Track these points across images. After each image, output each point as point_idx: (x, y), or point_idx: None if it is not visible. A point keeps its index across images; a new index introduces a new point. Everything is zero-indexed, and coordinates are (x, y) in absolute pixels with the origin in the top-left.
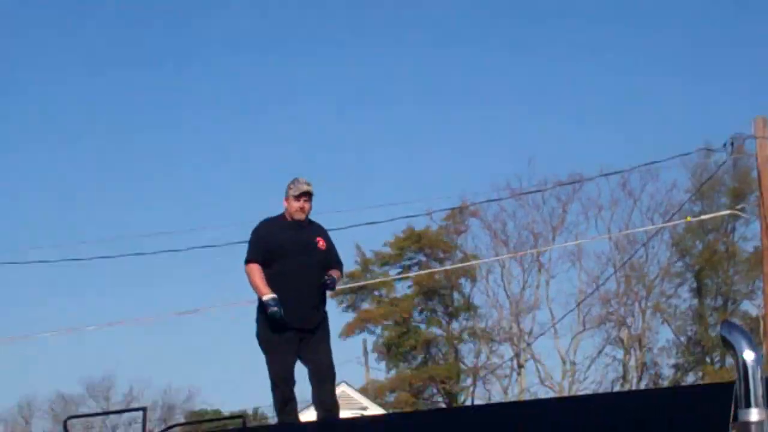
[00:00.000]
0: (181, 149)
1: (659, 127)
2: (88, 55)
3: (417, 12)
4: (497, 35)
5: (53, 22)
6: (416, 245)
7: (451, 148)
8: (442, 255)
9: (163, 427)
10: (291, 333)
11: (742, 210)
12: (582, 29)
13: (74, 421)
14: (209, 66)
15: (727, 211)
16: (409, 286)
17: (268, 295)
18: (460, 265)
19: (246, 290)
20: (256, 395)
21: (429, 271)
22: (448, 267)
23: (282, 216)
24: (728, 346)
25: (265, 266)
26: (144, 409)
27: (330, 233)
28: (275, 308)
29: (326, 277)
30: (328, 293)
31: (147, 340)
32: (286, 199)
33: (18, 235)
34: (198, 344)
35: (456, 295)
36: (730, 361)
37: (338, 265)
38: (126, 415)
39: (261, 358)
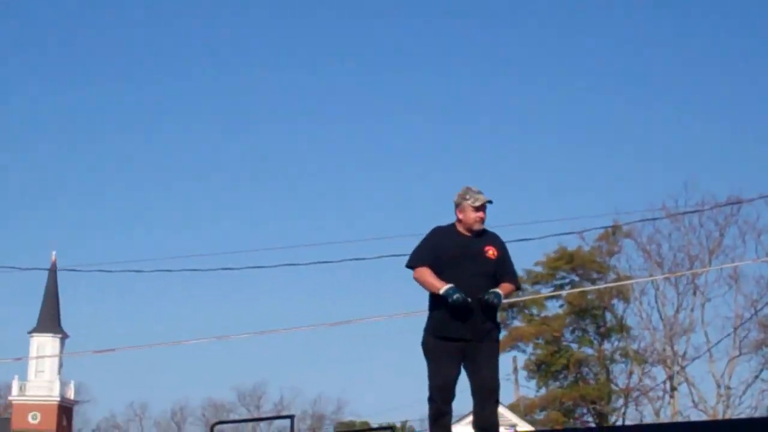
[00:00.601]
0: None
1: None
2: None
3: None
4: (663, 50)
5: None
6: (568, 265)
7: (605, 167)
8: (594, 275)
9: None
10: (454, 343)
11: None
12: (746, 44)
13: (222, 427)
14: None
15: None
16: (561, 305)
17: (446, 286)
18: (613, 284)
19: (399, 302)
20: (404, 409)
21: (582, 289)
22: (601, 286)
23: (453, 226)
24: None
25: (435, 273)
26: (292, 417)
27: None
28: (457, 295)
29: (490, 294)
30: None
31: (299, 349)
32: (460, 210)
33: (169, 244)
34: (350, 355)
35: (608, 315)
36: None
37: (510, 276)
38: (274, 424)
39: (411, 372)
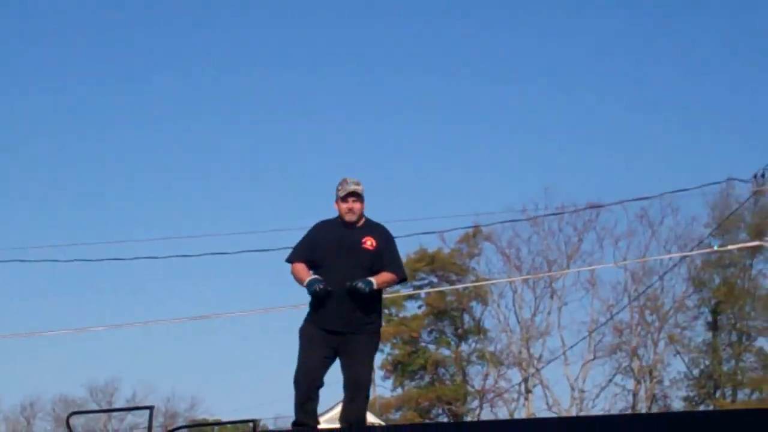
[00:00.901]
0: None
1: (681, 162)
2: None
3: (432, 29)
4: (517, 58)
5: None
6: (428, 266)
7: (466, 171)
8: (454, 277)
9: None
10: (323, 333)
11: None
12: (602, 54)
13: (77, 422)
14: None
15: (757, 242)
16: (420, 306)
17: (310, 277)
18: (472, 284)
19: (260, 299)
20: (258, 408)
21: (440, 289)
22: (459, 286)
23: (337, 218)
24: None
25: (313, 267)
26: (151, 408)
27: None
28: (315, 286)
29: (357, 281)
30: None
31: (154, 345)
32: (336, 201)
33: (28, 233)
34: (205, 353)
35: (466, 317)
36: (741, 395)
37: (391, 266)
38: (128, 421)
39: (269, 371)
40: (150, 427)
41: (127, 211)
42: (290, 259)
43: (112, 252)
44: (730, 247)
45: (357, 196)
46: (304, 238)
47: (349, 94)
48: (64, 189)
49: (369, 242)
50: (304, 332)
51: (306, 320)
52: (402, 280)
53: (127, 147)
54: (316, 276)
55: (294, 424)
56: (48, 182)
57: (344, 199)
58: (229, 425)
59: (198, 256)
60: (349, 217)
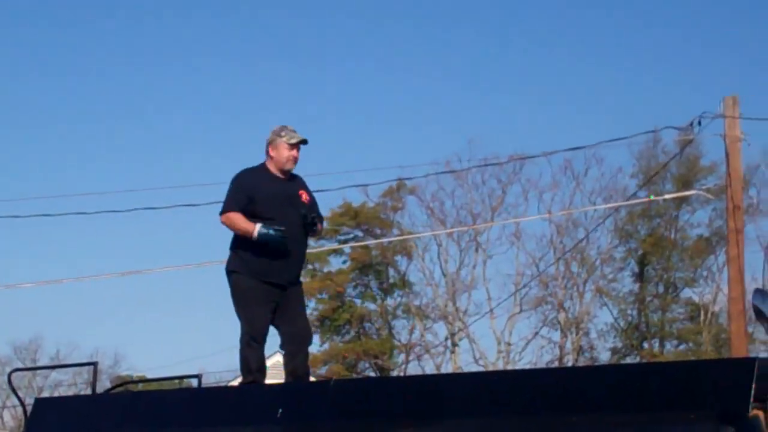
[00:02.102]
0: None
1: (607, 111)
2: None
3: None
4: (441, 7)
5: None
6: (353, 221)
7: (390, 123)
8: (378, 231)
9: (100, 388)
10: (271, 288)
11: (708, 191)
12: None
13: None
14: None
15: (693, 191)
16: (344, 261)
17: (258, 225)
18: (397, 238)
19: (186, 254)
20: (180, 365)
21: (365, 243)
22: (384, 240)
23: (263, 166)
24: (760, 315)
25: (252, 219)
26: (95, 364)
27: None
28: (271, 231)
29: (313, 217)
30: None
31: (78, 302)
32: (273, 147)
33: None
34: (129, 309)
35: (391, 271)
36: (668, 347)
37: (321, 219)
38: (52, 378)
39: (189, 325)
40: (94, 383)
41: (55, 165)
42: (224, 211)
43: (41, 208)
44: (666, 196)
45: (304, 144)
46: (236, 188)
47: (272, 38)
48: None
49: (305, 195)
50: (244, 287)
51: (240, 272)
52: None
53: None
54: (261, 224)
55: (244, 383)
56: None
57: (292, 146)
58: (175, 380)
59: (128, 211)
60: (289, 166)
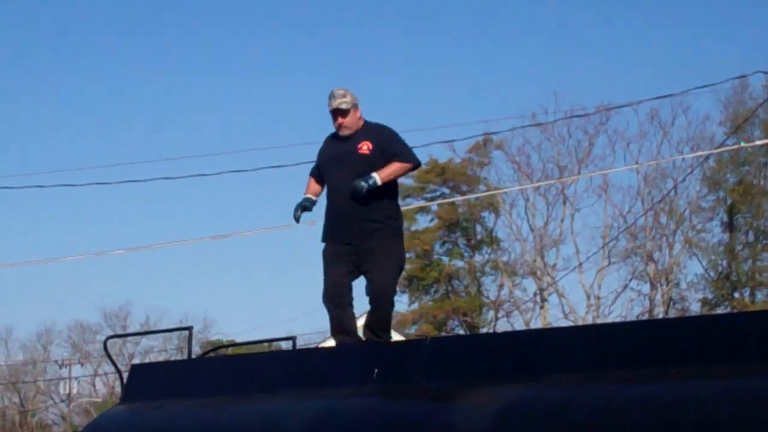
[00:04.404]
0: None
1: (691, 60)
2: None
3: None
4: None
5: None
6: (439, 178)
7: (474, 78)
8: (465, 188)
9: (190, 354)
10: (337, 246)
11: None
12: None
13: (93, 347)
14: None
15: None
16: (431, 219)
17: (305, 195)
18: (484, 194)
19: (274, 216)
20: (270, 328)
21: (452, 200)
22: (471, 196)
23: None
24: None
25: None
26: (190, 329)
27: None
28: (295, 212)
29: (355, 181)
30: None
31: (167, 267)
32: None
33: (40, 159)
34: (218, 273)
35: (479, 228)
36: (760, 296)
37: (399, 156)
38: (143, 344)
39: (277, 288)
40: (189, 348)
41: (142, 133)
42: (310, 172)
43: (130, 174)
44: (756, 143)
45: (342, 112)
46: (317, 154)
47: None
48: (77, 111)
49: (365, 146)
50: (324, 250)
51: (323, 234)
52: (415, 165)
53: (139, 66)
54: (306, 197)
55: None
56: (62, 104)
57: (332, 116)
58: (266, 343)
59: (216, 175)
60: (343, 132)
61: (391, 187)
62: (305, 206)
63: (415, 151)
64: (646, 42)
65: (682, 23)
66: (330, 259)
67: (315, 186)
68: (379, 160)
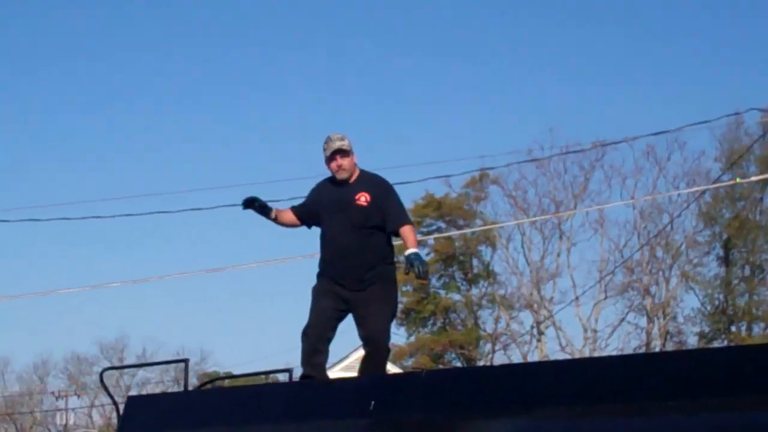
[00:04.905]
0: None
1: (686, 96)
2: None
3: None
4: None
5: None
6: (436, 212)
7: (470, 114)
8: (461, 222)
9: (186, 386)
10: (331, 284)
11: None
12: None
13: (89, 379)
14: None
15: None
16: (428, 253)
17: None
18: (480, 228)
19: (269, 250)
20: (266, 360)
21: (449, 234)
22: (467, 231)
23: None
24: None
25: (317, 225)
26: (186, 361)
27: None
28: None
29: (415, 270)
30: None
31: (163, 300)
32: (325, 161)
33: (38, 193)
34: (214, 305)
35: (475, 261)
36: (757, 329)
37: (399, 219)
38: (139, 376)
39: (273, 321)
40: (186, 380)
41: (137, 166)
42: (291, 206)
43: (125, 208)
44: (751, 179)
45: (343, 152)
46: (308, 194)
47: (351, 34)
48: (71, 146)
49: (363, 198)
50: (315, 285)
51: (318, 273)
52: (411, 224)
53: (132, 99)
54: (269, 205)
55: (301, 377)
56: (58, 138)
57: (331, 157)
58: (265, 375)
59: (211, 209)
60: (341, 175)
61: (385, 234)
62: (262, 205)
63: (412, 186)
64: (642, 79)
65: (677, 61)
66: (319, 295)
67: (288, 215)
68: (374, 212)
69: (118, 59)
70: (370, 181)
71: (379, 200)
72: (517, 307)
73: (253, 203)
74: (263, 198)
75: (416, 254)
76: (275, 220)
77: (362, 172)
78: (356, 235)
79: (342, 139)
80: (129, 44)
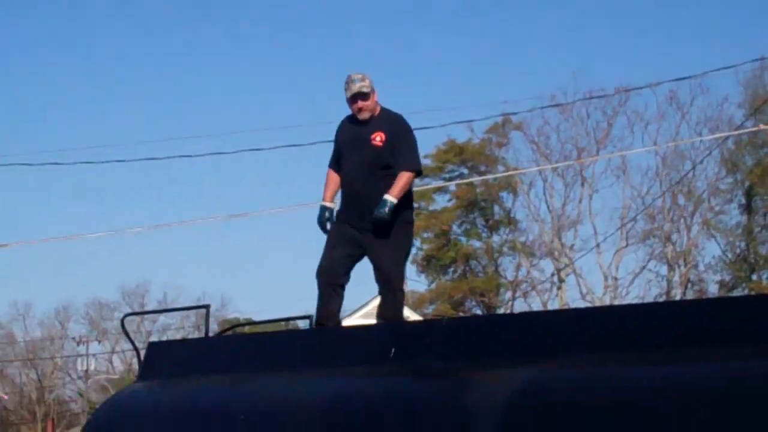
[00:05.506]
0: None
1: (710, 41)
2: None
3: None
4: None
5: None
6: (457, 158)
7: (493, 59)
8: (483, 168)
9: (207, 332)
10: (345, 227)
11: None
12: None
13: (111, 324)
14: None
15: None
16: (449, 199)
17: (323, 203)
18: (502, 174)
19: (291, 195)
20: (288, 306)
21: (470, 180)
22: (489, 177)
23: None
24: None
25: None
26: (207, 307)
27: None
28: (319, 217)
29: (375, 213)
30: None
31: (184, 246)
32: (346, 100)
33: (61, 136)
34: (235, 251)
35: (497, 208)
36: None
37: (403, 163)
38: (161, 322)
39: (296, 268)
40: (207, 326)
41: (159, 110)
42: (329, 164)
43: (147, 152)
44: None
45: (363, 95)
46: (334, 137)
47: None
48: (94, 90)
49: (378, 137)
50: (331, 227)
51: (336, 213)
52: (417, 173)
53: (160, 46)
54: (328, 204)
55: (316, 323)
56: (80, 82)
57: (352, 100)
58: (283, 322)
59: (233, 153)
60: (362, 116)
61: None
62: (328, 218)
63: (434, 130)
64: (666, 24)
65: (701, 5)
66: (334, 238)
67: (333, 185)
68: (388, 152)
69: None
70: (389, 120)
71: (394, 140)
72: (538, 255)
73: (324, 226)
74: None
75: (390, 203)
76: (335, 206)
77: (382, 110)
78: (370, 175)
79: (363, 80)
80: None
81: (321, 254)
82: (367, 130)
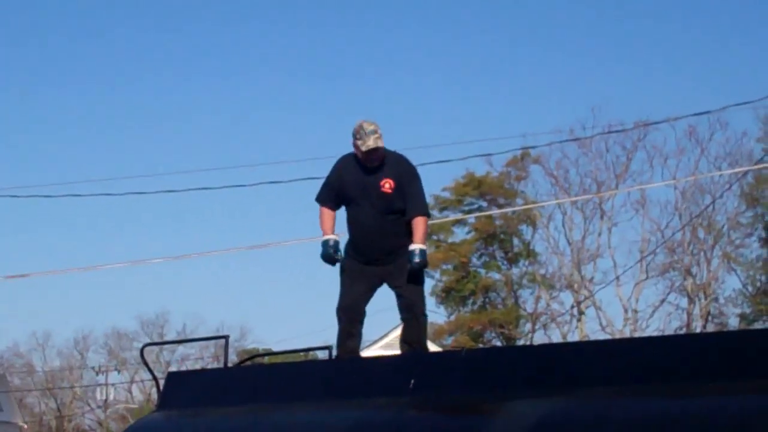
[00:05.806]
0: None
1: (729, 76)
2: None
3: None
4: None
5: None
6: (476, 191)
7: (513, 92)
8: (502, 201)
9: (226, 362)
10: (359, 264)
11: None
12: None
13: (130, 354)
14: None
15: None
16: (468, 232)
17: (326, 236)
18: (521, 207)
19: (308, 227)
20: (307, 337)
21: (489, 213)
22: (508, 210)
23: (356, 155)
24: None
25: (344, 206)
26: (227, 337)
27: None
28: (326, 250)
29: (411, 266)
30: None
31: (203, 276)
32: (354, 145)
33: (81, 168)
34: (254, 282)
35: (516, 241)
36: None
37: (415, 209)
38: (179, 352)
39: (312, 298)
40: (226, 356)
41: (178, 143)
42: (318, 200)
43: (167, 184)
44: None
45: (378, 151)
46: (330, 176)
47: (397, 13)
48: (113, 121)
49: (387, 185)
50: (345, 265)
51: (346, 252)
52: (428, 217)
53: (176, 78)
54: (332, 236)
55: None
56: (98, 114)
57: (366, 154)
58: (302, 353)
59: (253, 186)
60: (371, 165)
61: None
62: (333, 248)
63: (453, 164)
64: (685, 58)
65: (719, 40)
66: (352, 275)
67: (331, 220)
68: (398, 198)
69: (159, 26)
70: (396, 165)
71: (403, 185)
72: (558, 287)
73: (333, 258)
74: None
75: (421, 251)
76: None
77: (387, 153)
78: (382, 220)
79: (375, 131)
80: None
81: (340, 291)
82: (375, 176)
